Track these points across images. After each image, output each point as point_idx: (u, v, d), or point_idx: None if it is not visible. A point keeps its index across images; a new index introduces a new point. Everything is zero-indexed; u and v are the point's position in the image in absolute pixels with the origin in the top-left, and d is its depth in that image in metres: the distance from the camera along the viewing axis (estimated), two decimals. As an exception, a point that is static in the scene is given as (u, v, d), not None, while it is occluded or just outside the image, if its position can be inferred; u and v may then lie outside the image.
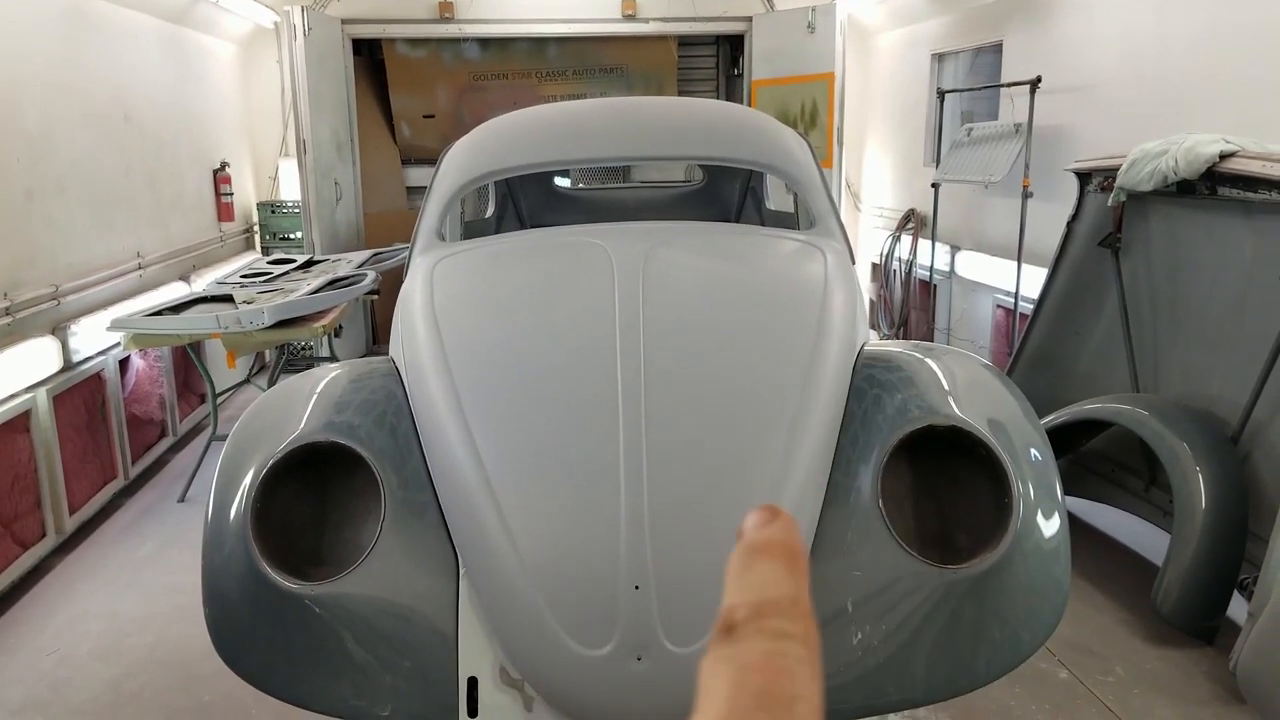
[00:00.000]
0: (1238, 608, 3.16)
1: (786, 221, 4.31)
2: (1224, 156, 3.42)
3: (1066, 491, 2.11)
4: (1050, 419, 3.81)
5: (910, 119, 7.42)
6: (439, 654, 1.94)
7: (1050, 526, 2.02)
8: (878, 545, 1.97)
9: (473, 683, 1.92)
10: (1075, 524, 2.14)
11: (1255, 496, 3.25)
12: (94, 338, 4.47)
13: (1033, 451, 2.08)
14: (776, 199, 4.94)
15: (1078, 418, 3.76)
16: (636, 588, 1.78)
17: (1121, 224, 4.05)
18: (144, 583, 3.83)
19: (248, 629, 2.01)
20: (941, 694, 1.95)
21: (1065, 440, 3.88)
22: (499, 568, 1.87)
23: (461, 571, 1.98)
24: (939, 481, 2.11)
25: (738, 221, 5.07)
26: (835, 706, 1.90)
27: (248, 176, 7.58)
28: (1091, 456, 4.07)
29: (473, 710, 1.92)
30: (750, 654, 0.31)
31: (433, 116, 7.99)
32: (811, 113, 7.22)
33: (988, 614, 1.95)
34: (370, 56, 7.94)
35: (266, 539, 1.98)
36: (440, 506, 2.05)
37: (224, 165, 6.78)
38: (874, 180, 8.29)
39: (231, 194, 6.82)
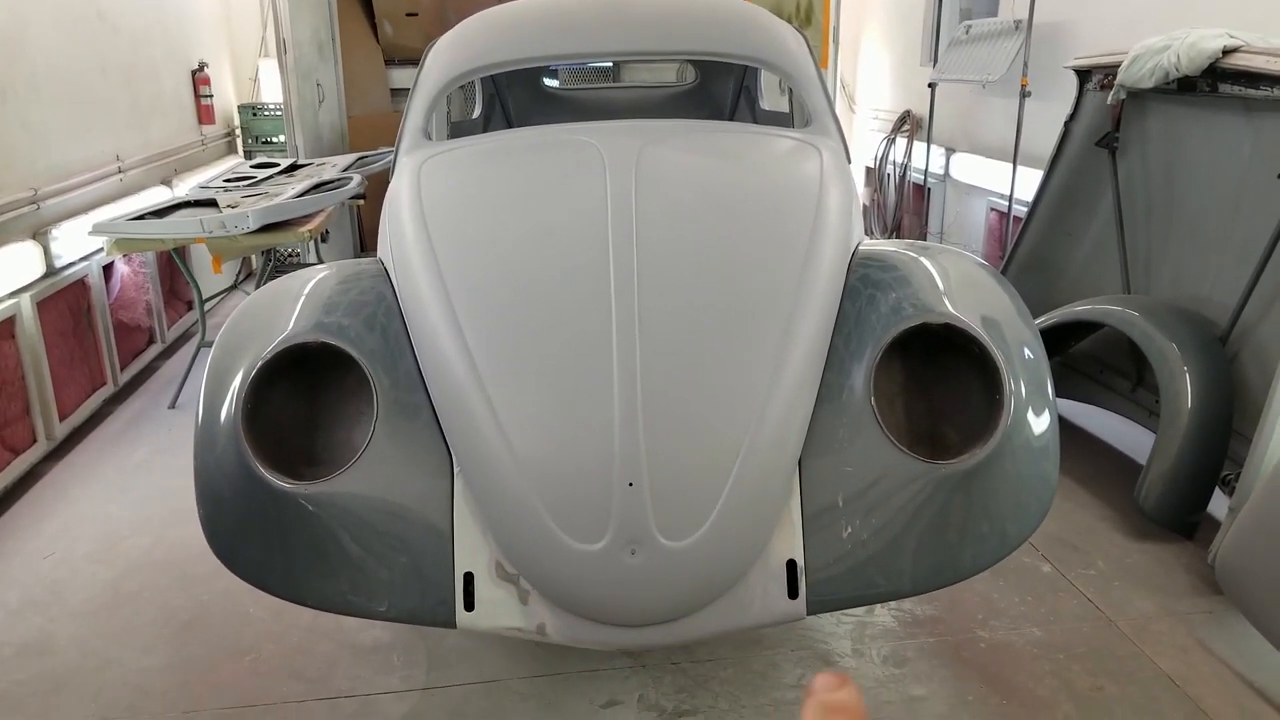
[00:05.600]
0: (1217, 504, 3.22)
1: (781, 122, 4.23)
2: (1227, 52, 3.34)
3: (1056, 392, 2.12)
4: (1041, 321, 3.80)
5: (908, 16, 7.23)
6: (434, 550, 1.97)
7: (1040, 423, 2.04)
8: (869, 442, 1.98)
9: (469, 578, 1.95)
10: (1062, 424, 2.16)
11: (1241, 396, 3.28)
12: (76, 243, 4.40)
13: (1025, 349, 2.08)
14: (771, 99, 4.84)
15: (1068, 319, 3.76)
16: (630, 484, 1.80)
17: (1120, 123, 3.98)
18: (138, 487, 3.85)
19: (242, 528, 2.03)
20: (928, 585, 1.99)
21: (1055, 342, 3.89)
22: (493, 465, 1.88)
23: (456, 470, 1.99)
24: (931, 379, 2.12)
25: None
26: (825, 598, 1.94)
27: (227, 78, 7.38)
28: (1080, 358, 4.09)
29: (469, 605, 1.95)
30: None
31: (416, 15, 7.73)
32: (807, 10, 7.02)
33: (976, 508, 1.97)
34: (350, -50, 7.64)
35: (259, 440, 1.98)
36: (433, 407, 2.05)
37: (203, 66, 6.60)
38: (870, 81, 8.12)
39: (211, 96, 6.65)
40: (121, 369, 4.87)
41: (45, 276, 4.16)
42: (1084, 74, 4.20)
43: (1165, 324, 3.37)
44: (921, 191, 6.94)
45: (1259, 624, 2.54)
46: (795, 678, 2.63)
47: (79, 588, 3.13)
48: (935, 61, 6.51)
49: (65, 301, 4.35)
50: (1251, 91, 3.30)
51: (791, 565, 1.94)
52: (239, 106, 7.30)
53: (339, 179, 5.14)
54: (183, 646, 2.81)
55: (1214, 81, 3.44)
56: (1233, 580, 2.65)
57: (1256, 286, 3.28)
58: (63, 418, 4.21)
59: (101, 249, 4.42)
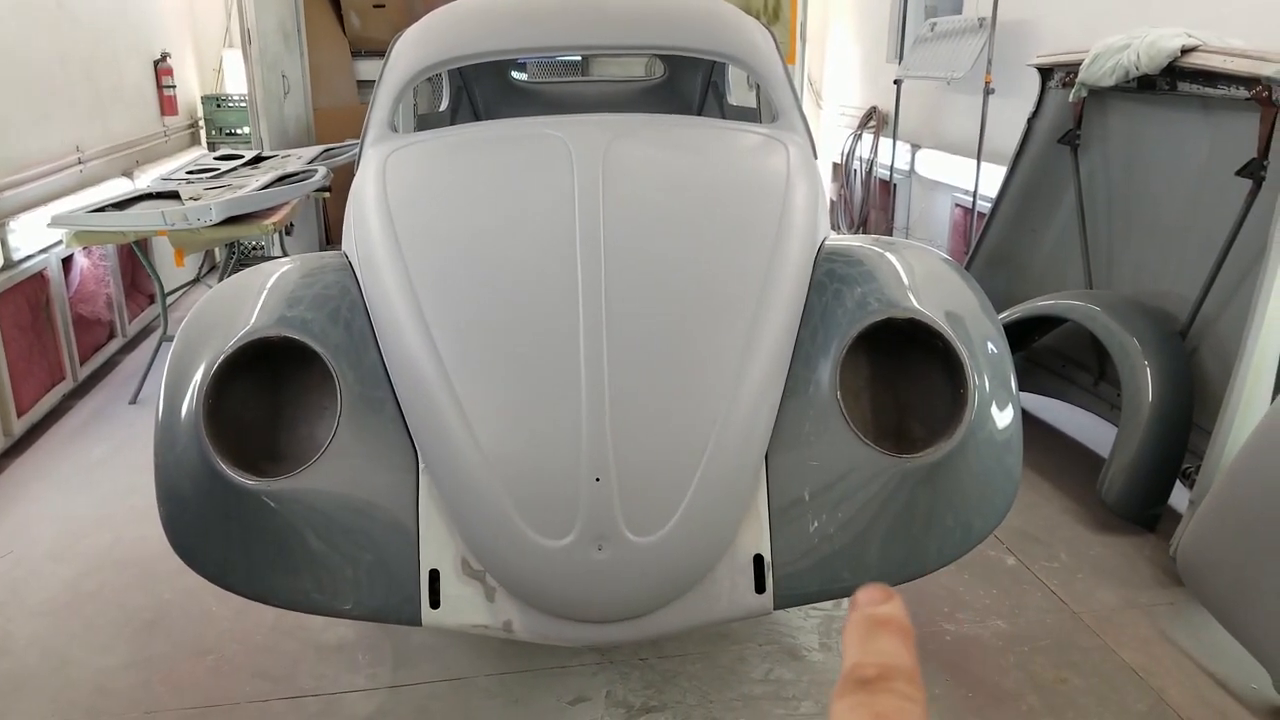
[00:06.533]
0: (1179, 497, 3.27)
1: (749, 117, 4.23)
2: (1186, 51, 3.39)
3: (1019, 387, 2.14)
4: (1005, 315, 3.84)
5: (874, 13, 7.27)
6: (400, 548, 1.95)
7: (1004, 417, 2.06)
8: (835, 436, 1.99)
9: (434, 575, 1.94)
10: (1026, 418, 2.18)
11: (1200, 389, 3.33)
12: (34, 235, 4.31)
13: (989, 344, 2.10)
14: (738, 95, 4.84)
15: (1031, 314, 3.80)
16: (597, 479, 1.79)
17: (1081, 121, 4.03)
18: (98, 484, 3.79)
19: (204, 526, 2.00)
20: (894, 579, 2.00)
21: (1019, 337, 3.93)
22: (459, 461, 1.87)
23: (421, 466, 1.98)
24: (896, 373, 2.13)
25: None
26: (792, 592, 1.95)
27: (190, 68, 7.27)
28: (1043, 352, 4.13)
29: (435, 602, 1.93)
30: (885, 705, 0.37)
31: (383, 6, 7.67)
32: (775, 6, 7.04)
33: (941, 502, 1.99)
34: (315, -60, 7.55)
35: (221, 436, 1.96)
36: (398, 402, 2.03)
37: (165, 56, 6.49)
38: (837, 77, 8.15)
39: (174, 87, 6.54)
40: (81, 364, 4.79)
41: (2, 269, 4.08)
42: (1046, 72, 4.24)
43: (1126, 319, 3.42)
44: (887, 187, 6.98)
45: (1220, 615, 2.58)
46: (763, 672, 2.64)
47: (38, 587, 3.08)
48: (901, 58, 6.55)
49: (23, 295, 4.26)
50: (1210, 90, 3.35)
51: (759, 560, 1.94)
52: (202, 98, 7.19)
53: (304, 171, 5.09)
54: (144, 646, 2.77)
55: (1173, 80, 3.49)
56: (1194, 572, 2.69)
57: (1215, 281, 3.34)
58: (21, 413, 4.13)
59: (60, 241, 4.34)
